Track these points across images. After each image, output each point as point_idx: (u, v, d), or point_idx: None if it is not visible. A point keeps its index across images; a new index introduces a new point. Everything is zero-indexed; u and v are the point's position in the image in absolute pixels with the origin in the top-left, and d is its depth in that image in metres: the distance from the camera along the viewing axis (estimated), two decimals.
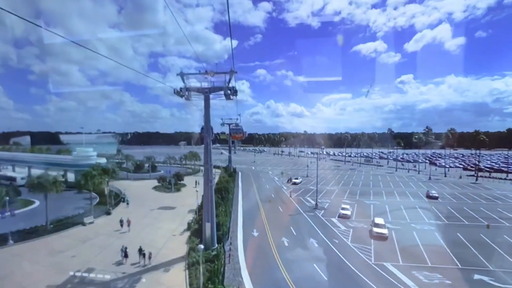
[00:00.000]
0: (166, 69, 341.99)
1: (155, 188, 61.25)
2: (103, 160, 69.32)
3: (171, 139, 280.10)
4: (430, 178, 72.52)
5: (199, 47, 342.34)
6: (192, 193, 48.37)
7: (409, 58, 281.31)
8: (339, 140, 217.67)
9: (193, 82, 27.45)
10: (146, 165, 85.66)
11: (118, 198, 50.85)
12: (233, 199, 48.72)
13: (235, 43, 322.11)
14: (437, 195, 51.03)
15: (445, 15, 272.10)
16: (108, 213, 42.48)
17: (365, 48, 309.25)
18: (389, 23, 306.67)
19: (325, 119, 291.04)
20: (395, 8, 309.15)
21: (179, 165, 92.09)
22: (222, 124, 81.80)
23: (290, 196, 53.35)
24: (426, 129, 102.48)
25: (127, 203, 48.83)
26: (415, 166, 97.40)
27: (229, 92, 26.93)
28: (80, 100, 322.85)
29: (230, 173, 74.71)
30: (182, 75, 26.90)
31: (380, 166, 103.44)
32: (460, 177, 75.13)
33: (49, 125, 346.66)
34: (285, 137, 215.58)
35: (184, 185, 63.93)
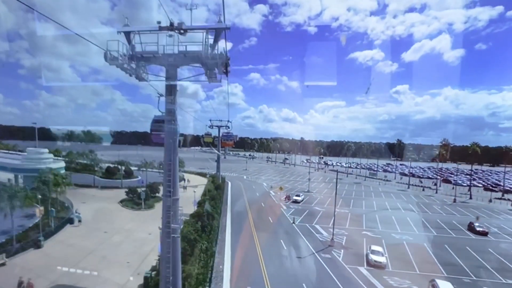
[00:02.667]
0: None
1: (123, 202, 48.20)
2: (59, 164, 55.90)
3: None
4: (455, 201, 61.42)
5: (193, 48, 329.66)
6: None
7: (406, 67, 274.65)
8: (334, 148, 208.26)
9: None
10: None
11: (67, 217, 38.07)
12: (218, 229, 36.03)
13: (229, 45, 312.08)
14: (486, 230, 39.45)
15: (445, 25, 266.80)
16: (38, 246, 29.41)
17: (362, 55, 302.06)
18: (387, 32, 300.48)
19: (317, 126, 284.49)
20: (395, 17, 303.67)
21: (160, 171, 78.89)
22: (211, 127, 69.27)
23: (294, 222, 41.15)
24: (443, 141, 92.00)
25: (79, 220, 37.57)
26: (421, 182, 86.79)
27: (214, 65, 14.73)
28: (70, 96, 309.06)
29: (218, 184, 62.07)
30: (127, 33, 14.57)
31: (387, 181, 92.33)
32: (490, 201, 64.16)
33: (39, 120, 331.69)
34: (278, 142, 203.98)
35: (159, 199, 51.00)
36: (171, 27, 14.09)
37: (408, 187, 78.91)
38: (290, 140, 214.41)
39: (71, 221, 37.49)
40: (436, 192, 72.24)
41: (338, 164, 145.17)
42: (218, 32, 13.92)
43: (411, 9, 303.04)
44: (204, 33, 14.28)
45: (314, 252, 30.84)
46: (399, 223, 42.95)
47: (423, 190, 75.90)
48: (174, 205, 15.61)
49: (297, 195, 57.09)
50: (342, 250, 31.61)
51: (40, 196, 34.56)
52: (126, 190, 49.77)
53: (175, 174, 15.55)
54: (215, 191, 56.67)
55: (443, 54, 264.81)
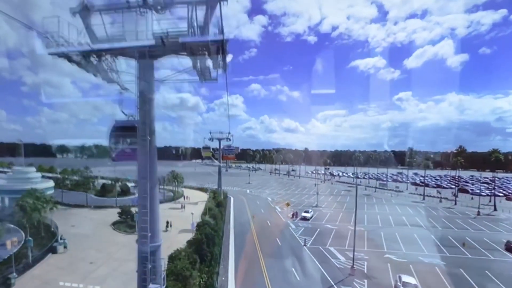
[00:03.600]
0: (159, 82, 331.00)
1: (115, 225, 43.66)
2: (46, 184, 51.78)
3: (163, 153, 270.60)
4: (479, 214, 56.18)
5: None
6: (163, 236, 31.00)
7: (409, 74, 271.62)
8: (338, 158, 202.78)
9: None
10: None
11: (51, 242, 33.74)
12: (220, 256, 31.31)
13: (229, 57, 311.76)
14: None
15: (447, 30, 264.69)
16: (7, 285, 24.88)
17: (363, 63, 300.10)
18: (388, 39, 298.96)
19: (320, 135, 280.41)
20: (395, 23, 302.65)
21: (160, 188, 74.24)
22: (211, 139, 65.23)
23: (305, 244, 36.36)
24: (459, 148, 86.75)
25: (65, 247, 33.64)
26: (439, 193, 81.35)
27: (204, 53, 10.62)
28: (72, 111, 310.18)
29: (219, 201, 57.42)
30: (84, 12, 10.54)
31: (399, 191, 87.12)
32: None
33: (41, 136, 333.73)
34: (280, 153, 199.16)
35: None
36: (144, 3, 10.08)
37: (423, 199, 73.69)
38: (293, 151, 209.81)
39: (54, 250, 33.07)
40: (455, 204, 66.95)
41: (344, 174, 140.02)
42: (212, 4, 9.86)
43: (412, 15, 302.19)
44: (192, 9, 10.23)
45: (333, 284, 26.03)
46: (424, 243, 37.92)
47: (440, 201, 70.62)
48: (154, 255, 11.06)
49: (305, 212, 52.28)
50: (366, 281, 26.76)
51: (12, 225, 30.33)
52: (119, 210, 45.20)
53: (154, 212, 11.17)
54: (217, 208, 52.20)
55: (446, 59, 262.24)
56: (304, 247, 35.80)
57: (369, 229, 44.32)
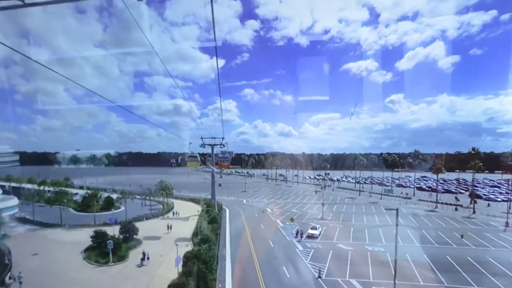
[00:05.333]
0: (152, 88, 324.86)
1: (87, 252, 35.96)
2: (8, 202, 43.90)
3: (157, 159, 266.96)
4: (508, 225, 49.83)
5: (186, 66, 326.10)
6: (139, 273, 24.29)
7: (401, 76, 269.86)
8: (334, 162, 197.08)
9: None
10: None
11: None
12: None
13: (222, 62, 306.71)
14: None
15: (438, 32, 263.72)
16: None
17: (355, 66, 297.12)
18: (380, 41, 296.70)
19: (313, 139, 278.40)
20: (387, 26, 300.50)
21: (147, 198, 65.88)
22: (202, 146, 57.93)
23: (320, 276, 29.33)
24: (473, 150, 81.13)
25: (20, 282, 26.91)
26: (457, 199, 74.90)
27: None
28: (66, 119, 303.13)
29: (213, 216, 50.04)
30: None
31: (408, 198, 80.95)
32: None
33: (36, 145, 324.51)
34: (278, 158, 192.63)
35: (136, 244, 38.94)
36: None
37: (436, 206, 67.50)
38: (289, 155, 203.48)
39: None
40: (474, 212, 60.88)
41: (344, 179, 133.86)
42: None
43: (404, 18, 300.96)
44: None
45: None
46: (466, 269, 31.07)
47: (456, 209, 64.52)
48: None
49: (313, 228, 45.35)
50: None
51: None
52: (93, 234, 37.40)
53: None
54: (210, 225, 45.04)
55: (438, 61, 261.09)
56: (319, 279, 28.80)
57: (390, 250, 37.47)
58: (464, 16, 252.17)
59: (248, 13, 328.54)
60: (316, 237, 43.20)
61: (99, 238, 35.99)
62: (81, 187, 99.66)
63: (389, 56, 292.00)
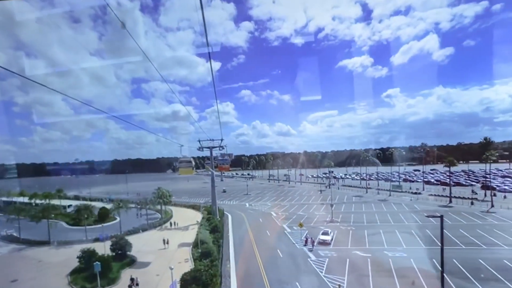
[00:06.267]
0: (150, 94, 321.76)
1: (74, 275, 31.91)
2: None
3: (156, 165, 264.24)
4: None
5: (182, 71, 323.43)
6: None
7: (396, 71, 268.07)
8: (335, 158, 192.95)
9: None
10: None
11: None
12: None
13: (218, 65, 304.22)
14: None
15: (431, 25, 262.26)
16: None
17: (351, 63, 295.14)
18: (374, 37, 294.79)
19: (312, 137, 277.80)
20: (380, 21, 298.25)
21: (142, 207, 61.61)
22: (200, 149, 54.00)
23: None
24: (485, 140, 77.41)
25: None
26: (475, 193, 70.63)
27: None
28: (65, 129, 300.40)
29: (214, 224, 46.18)
30: None
31: (417, 193, 77.14)
32: None
33: (35, 156, 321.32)
34: (275, 157, 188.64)
35: (129, 262, 34.88)
36: None
37: (450, 201, 63.71)
38: (290, 155, 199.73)
39: None
40: (492, 206, 57.09)
41: (348, 176, 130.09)
42: None
43: (396, 12, 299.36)
44: None
45: None
46: (509, 278, 27.36)
47: (472, 203, 60.76)
48: None
49: (324, 233, 41.42)
50: None
51: None
52: (80, 254, 33.34)
53: None
54: (212, 235, 41.23)
55: (432, 54, 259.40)
56: None
57: (413, 255, 33.62)
58: (456, 8, 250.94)
59: (242, 15, 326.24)
60: (329, 243, 39.34)
61: (87, 258, 31.99)
62: (77, 198, 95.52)
63: (383, 51, 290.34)
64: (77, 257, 32.65)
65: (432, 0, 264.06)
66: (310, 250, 36.83)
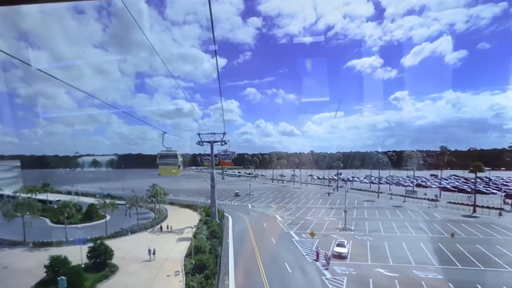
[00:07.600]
0: (153, 89, 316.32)
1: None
2: None
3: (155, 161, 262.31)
4: None
5: (187, 66, 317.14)
6: None
7: (406, 73, 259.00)
8: (344, 160, 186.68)
9: None
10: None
11: None
12: None
13: (223, 61, 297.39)
14: None
15: (446, 26, 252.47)
16: None
17: (360, 63, 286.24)
18: (385, 37, 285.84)
19: (317, 138, 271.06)
20: (392, 21, 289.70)
21: (132, 206, 55.96)
22: (200, 143, 48.47)
23: None
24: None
25: None
26: (507, 202, 63.59)
27: None
28: (67, 122, 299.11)
29: (213, 229, 40.63)
30: None
31: (435, 200, 70.95)
32: None
33: (38, 148, 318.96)
34: (279, 157, 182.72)
35: (108, 273, 29.20)
36: None
37: (474, 210, 57.60)
38: (294, 155, 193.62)
39: None
40: None
41: (356, 179, 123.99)
42: None
43: (410, 12, 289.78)
44: None
45: None
46: None
47: (500, 214, 54.62)
48: None
49: (339, 245, 35.62)
50: None
51: None
52: (47, 261, 27.76)
53: None
54: (209, 242, 35.76)
55: (444, 56, 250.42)
56: None
57: (449, 276, 27.77)
58: (473, 9, 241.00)
59: (250, 10, 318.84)
60: (345, 257, 33.60)
61: (56, 268, 26.49)
62: (69, 192, 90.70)
63: (394, 52, 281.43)
64: (45, 266, 27.14)
65: (448, 0, 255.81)
66: (326, 269, 30.80)
